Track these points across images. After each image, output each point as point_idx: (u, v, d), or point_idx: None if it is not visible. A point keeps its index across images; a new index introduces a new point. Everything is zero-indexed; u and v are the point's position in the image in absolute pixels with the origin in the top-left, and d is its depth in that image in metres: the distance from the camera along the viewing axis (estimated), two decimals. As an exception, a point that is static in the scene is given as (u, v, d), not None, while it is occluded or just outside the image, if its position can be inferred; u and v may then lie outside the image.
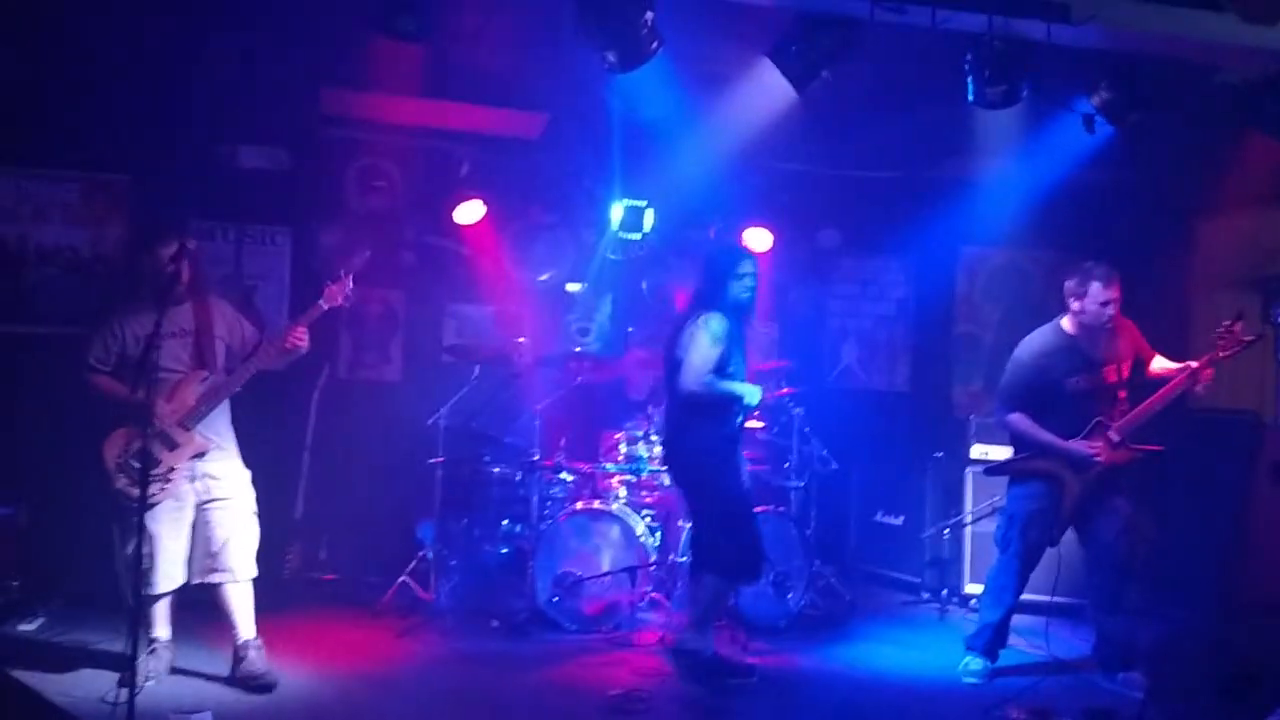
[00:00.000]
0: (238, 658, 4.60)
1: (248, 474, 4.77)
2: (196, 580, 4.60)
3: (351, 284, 4.75)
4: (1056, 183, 6.33)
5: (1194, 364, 4.80)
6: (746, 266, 4.96)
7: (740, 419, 5.00)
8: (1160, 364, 5.03)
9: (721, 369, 4.80)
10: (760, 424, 6.39)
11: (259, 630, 4.74)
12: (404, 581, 5.89)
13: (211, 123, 6.28)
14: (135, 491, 4.28)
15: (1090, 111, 5.12)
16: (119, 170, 6.36)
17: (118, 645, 3.89)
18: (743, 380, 4.88)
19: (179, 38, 5.52)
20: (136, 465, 4.33)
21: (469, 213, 6.81)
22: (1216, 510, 5.98)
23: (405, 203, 6.84)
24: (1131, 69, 5.00)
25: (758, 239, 7.12)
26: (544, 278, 7.28)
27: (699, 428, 4.90)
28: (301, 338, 4.66)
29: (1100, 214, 6.58)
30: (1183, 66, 5.06)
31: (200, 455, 4.55)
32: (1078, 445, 4.88)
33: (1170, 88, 5.03)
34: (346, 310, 4.77)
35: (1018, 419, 5.02)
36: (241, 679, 4.54)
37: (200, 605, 4.68)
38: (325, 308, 4.72)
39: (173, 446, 4.49)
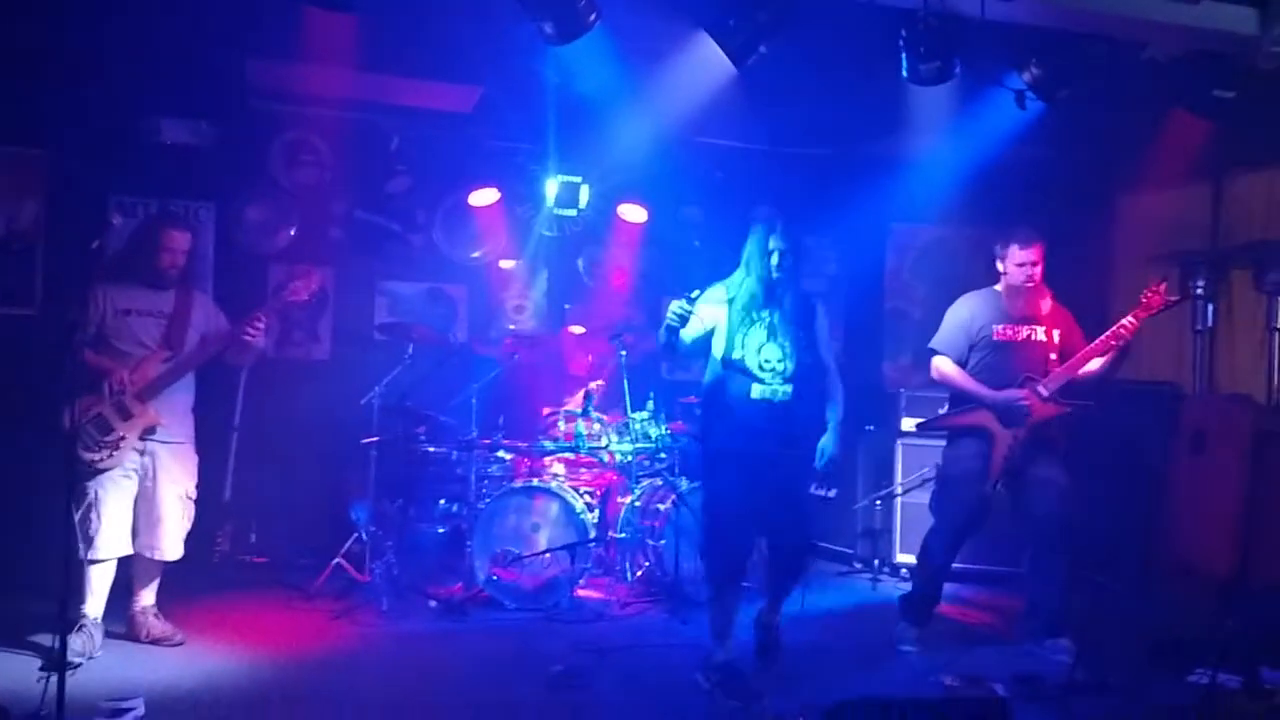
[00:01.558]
0: (138, 624, 4.82)
1: (194, 459, 4.95)
2: (139, 549, 4.76)
3: (317, 282, 5.03)
4: (986, 160, 6.43)
5: (1122, 322, 4.92)
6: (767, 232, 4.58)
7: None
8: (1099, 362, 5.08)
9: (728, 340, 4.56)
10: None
11: (192, 612, 4.96)
12: (338, 563, 5.80)
13: (132, 95, 6.08)
14: (87, 456, 4.54)
15: (1021, 88, 5.19)
16: (35, 144, 6.12)
17: (46, 624, 3.79)
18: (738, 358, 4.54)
19: (99, 5, 5.31)
20: (92, 431, 4.56)
21: (483, 198, 6.83)
22: (1139, 479, 6.16)
23: (334, 177, 6.70)
24: (1061, 45, 5.08)
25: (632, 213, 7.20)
26: (477, 255, 7.20)
27: None
28: (257, 329, 4.85)
29: (1028, 191, 6.70)
30: (1111, 43, 5.16)
31: (151, 430, 4.70)
32: (1007, 393, 4.99)
33: (1099, 64, 5.12)
34: (272, 286, 4.81)
35: (944, 362, 5.16)
36: (154, 640, 4.78)
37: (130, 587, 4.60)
38: (289, 300, 4.95)
39: (127, 416, 4.65)
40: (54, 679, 3.53)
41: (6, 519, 5.27)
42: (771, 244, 4.51)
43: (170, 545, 4.82)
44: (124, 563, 4.78)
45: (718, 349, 4.55)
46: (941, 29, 4.73)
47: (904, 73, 5.03)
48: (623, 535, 5.89)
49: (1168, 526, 5.99)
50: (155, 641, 4.78)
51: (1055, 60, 5.08)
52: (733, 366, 4.51)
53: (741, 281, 4.59)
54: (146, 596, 4.88)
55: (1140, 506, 6.10)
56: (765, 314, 4.52)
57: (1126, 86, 5.49)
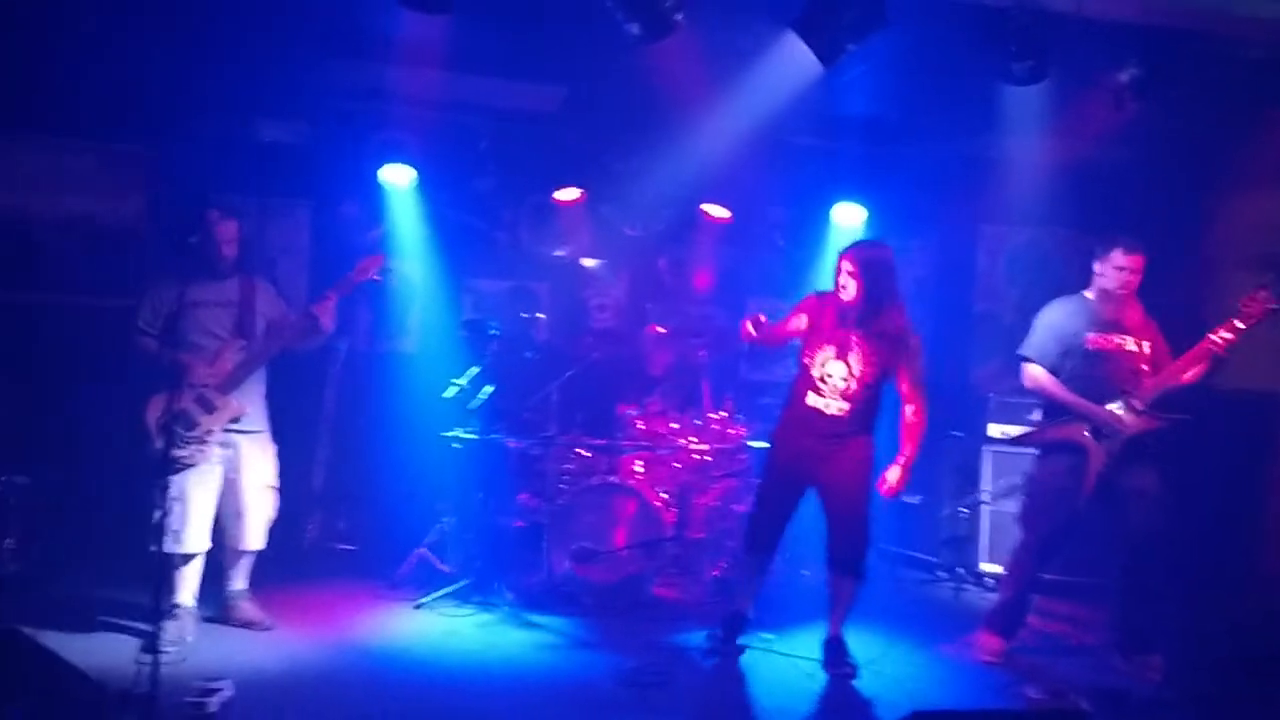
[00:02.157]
0: (231, 608, 4.92)
1: (273, 449, 4.98)
2: (214, 541, 4.83)
3: (385, 260, 5.00)
4: (1080, 160, 6.26)
5: (1217, 333, 4.74)
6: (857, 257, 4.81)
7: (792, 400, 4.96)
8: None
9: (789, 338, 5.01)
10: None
11: (282, 598, 5.01)
12: (421, 553, 5.92)
13: (231, 94, 6.27)
14: (173, 452, 4.51)
15: (1119, 87, 5.05)
16: (137, 141, 6.37)
17: (141, 611, 3.93)
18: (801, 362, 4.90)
19: (199, 7, 5.50)
20: (178, 428, 4.59)
21: (567, 196, 6.93)
22: (1237, 491, 5.94)
23: (424, 176, 6.82)
24: (1161, 43, 4.93)
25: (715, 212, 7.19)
26: (560, 253, 7.26)
27: None
28: (326, 310, 4.86)
29: (1121, 192, 6.51)
30: (1213, 40, 4.99)
31: (236, 420, 4.76)
32: (1102, 411, 4.86)
33: (1200, 63, 4.96)
34: (368, 283, 4.89)
35: (1037, 371, 5.05)
36: (242, 624, 4.88)
37: (222, 574, 4.73)
38: (356, 280, 4.95)
39: (210, 410, 4.69)
40: (147, 661, 3.66)
41: (111, 509, 5.46)
42: (841, 278, 4.75)
43: (254, 535, 4.91)
44: (217, 548, 4.90)
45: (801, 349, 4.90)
46: (1034, 27, 4.64)
47: (996, 72, 4.93)
48: (700, 535, 5.88)
49: (1266, 540, 5.76)
50: (246, 625, 4.89)
51: (1155, 59, 4.93)
52: (801, 369, 4.88)
53: (824, 297, 4.89)
54: (239, 581, 4.98)
55: (1238, 519, 5.89)
56: (841, 333, 4.76)
57: (1226, 85, 5.30)
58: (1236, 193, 6.76)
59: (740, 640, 5.00)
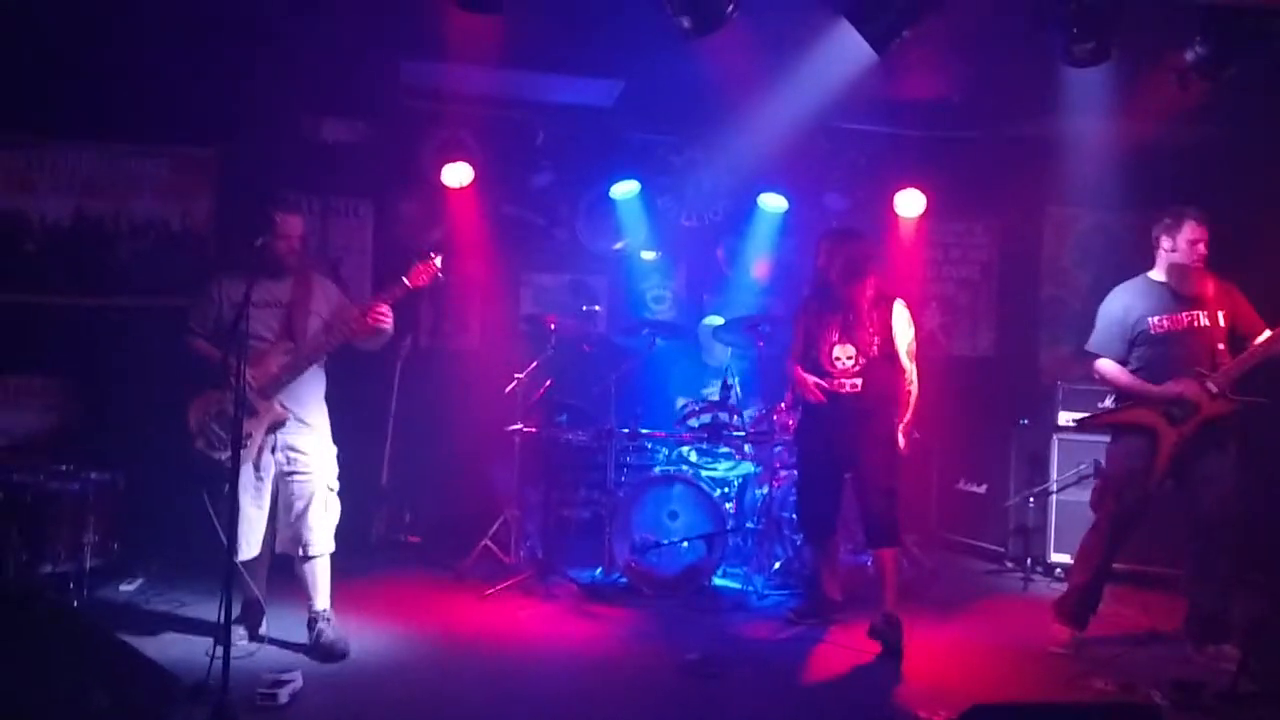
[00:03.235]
0: (310, 627, 4.68)
1: (333, 450, 4.80)
2: (278, 550, 4.71)
3: (440, 264, 4.73)
4: (1147, 142, 6.10)
5: None
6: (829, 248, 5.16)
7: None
8: (1268, 335, 4.82)
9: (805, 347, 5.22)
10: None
11: (350, 590, 4.89)
12: (486, 545, 6.00)
13: (294, 96, 6.40)
14: (214, 455, 4.47)
15: (1184, 67, 4.91)
16: (206, 144, 6.53)
17: (214, 606, 4.02)
18: (813, 356, 5.15)
19: (261, 12, 5.61)
20: (217, 429, 4.51)
21: (624, 190, 6.98)
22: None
23: (483, 173, 6.88)
24: (1224, 21, 4.78)
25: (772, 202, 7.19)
26: (619, 246, 7.28)
27: None
28: (382, 315, 4.65)
29: (1192, 173, 6.33)
30: (1276, 15, 4.82)
31: (279, 425, 4.59)
32: (1173, 387, 4.76)
33: (1263, 40, 4.79)
34: (410, 290, 4.69)
35: (1106, 365, 4.98)
36: (314, 648, 4.61)
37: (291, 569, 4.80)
38: (410, 286, 4.68)
39: (251, 414, 4.47)
40: (219, 654, 3.76)
41: (184, 505, 5.58)
42: (821, 260, 5.13)
43: (316, 539, 4.65)
44: (286, 555, 4.71)
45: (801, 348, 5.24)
46: (1096, 7, 4.52)
47: (1058, 53, 4.83)
48: (760, 526, 5.88)
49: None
50: (323, 650, 4.57)
51: (1221, 36, 4.78)
52: (814, 362, 5.12)
53: (810, 297, 5.29)
54: (318, 600, 4.70)
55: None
56: (838, 316, 5.08)
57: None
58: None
59: (830, 620, 5.24)
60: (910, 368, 5.03)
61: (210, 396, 4.53)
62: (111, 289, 6.42)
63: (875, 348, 5.00)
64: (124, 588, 5.46)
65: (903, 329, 5.04)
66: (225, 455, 4.43)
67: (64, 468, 5.28)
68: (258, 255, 4.47)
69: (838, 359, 5.05)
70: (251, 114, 6.31)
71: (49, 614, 3.69)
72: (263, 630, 4.77)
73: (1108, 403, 5.21)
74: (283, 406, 4.59)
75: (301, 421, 4.67)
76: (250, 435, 4.50)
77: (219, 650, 3.80)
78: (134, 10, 5.56)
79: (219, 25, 5.72)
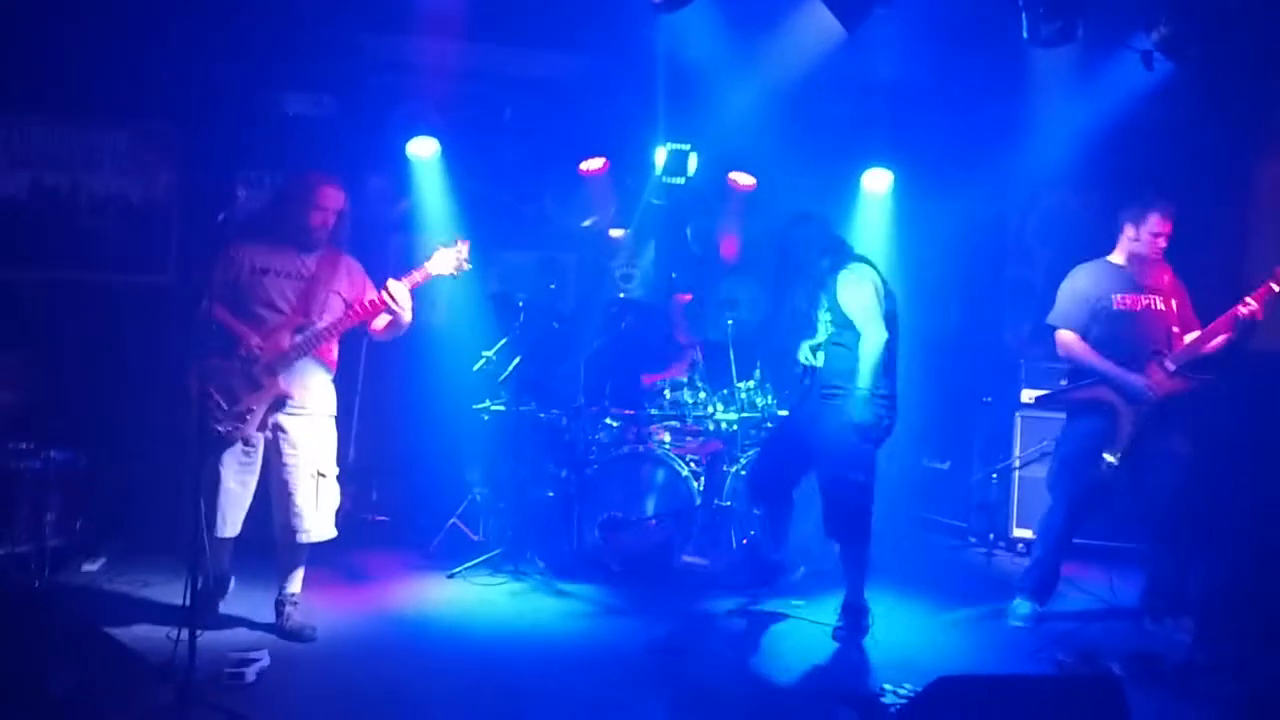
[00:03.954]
0: (279, 610, 4.61)
1: (331, 434, 4.66)
2: (275, 533, 4.58)
3: (466, 251, 4.63)
4: (1112, 121, 6.16)
5: (1247, 299, 4.70)
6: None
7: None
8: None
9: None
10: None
11: (317, 569, 4.81)
12: (454, 523, 5.99)
13: (258, 70, 6.30)
14: (213, 427, 4.32)
15: (1149, 48, 4.96)
16: (168, 118, 6.42)
17: (178, 585, 3.98)
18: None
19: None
20: (219, 400, 4.35)
21: (593, 167, 6.89)
22: (1270, 454, 5.86)
23: (449, 148, 6.82)
24: (1190, 2, 4.83)
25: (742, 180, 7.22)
26: (588, 223, 7.26)
27: None
28: (395, 298, 4.49)
29: (1158, 154, 6.40)
30: (1242, -2, 4.89)
31: (281, 402, 4.46)
32: (1132, 374, 4.84)
33: (1232, 20, 4.85)
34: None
35: (1068, 337, 5.03)
36: (281, 631, 4.55)
37: (263, 545, 4.75)
38: (431, 273, 4.58)
39: (256, 388, 4.40)
40: (184, 633, 3.73)
41: (147, 484, 5.55)
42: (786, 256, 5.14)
43: (305, 525, 4.52)
44: (270, 537, 4.61)
45: None
46: (1062, -13, 4.55)
47: (1024, 33, 4.85)
48: (728, 504, 5.91)
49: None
50: (292, 636, 4.50)
51: (1185, 17, 4.83)
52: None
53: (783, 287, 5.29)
54: (291, 584, 4.62)
55: (1271, 483, 5.81)
56: (802, 302, 5.00)
57: (1261, 42, 5.18)
58: (1274, 154, 6.62)
59: (777, 588, 5.29)
60: (867, 329, 4.69)
61: (214, 365, 4.33)
62: (71, 263, 6.32)
63: (837, 324, 4.83)
64: (87, 567, 5.39)
65: (848, 298, 4.77)
66: (225, 428, 4.35)
67: (24, 445, 5.19)
68: (285, 224, 4.38)
69: (817, 333, 4.92)
70: (214, 87, 6.21)
71: (11, 595, 3.64)
72: (226, 611, 4.72)
73: (1066, 382, 5.25)
74: (286, 384, 4.46)
75: (300, 404, 4.52)
76: (252, 410, 4.41)
77: (184, 630, 3.76)
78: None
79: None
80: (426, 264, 4.61)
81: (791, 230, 5.07)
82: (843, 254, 4.93)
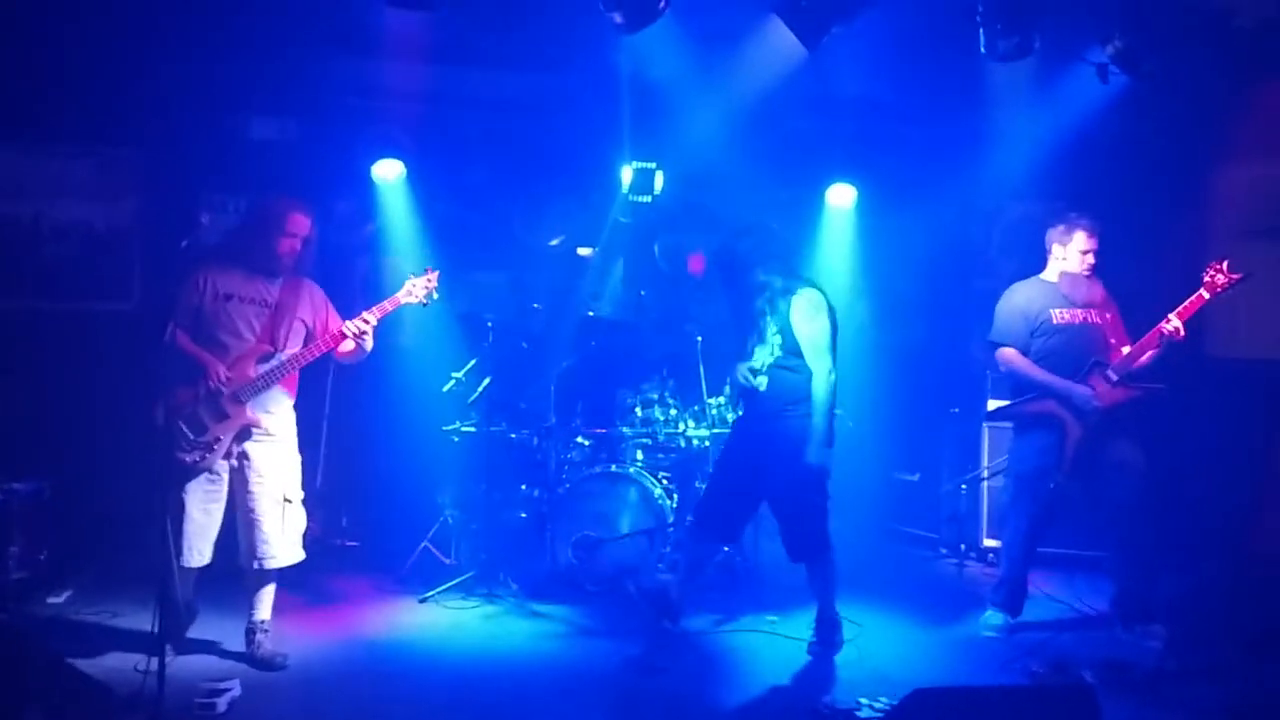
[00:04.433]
0: (249, 638, 4.57)
1: (294, 460, 4.65)
2: (239, 561, 4.54)
3: (435, 281, 4.68)
4: (1072, 134, 6.26)
5: (1170, 316, 4.79)
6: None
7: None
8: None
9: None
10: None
11: (287, 596, 4.79)
12: (425, 547, 5.95)
13: (222, 94, 6.27)
14: (180, 457, 4.30)
15: (1104, 61, 5.06)
16: (131, 144, 6.37)
17: (146, 616, 3.93)
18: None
19: (186, 9, 5.50)
20: (185, 430, 4.34)
21: (559, 187, 6.91)
22: (1235, 459, 5.96)
23: (416, 170, 6.81)
24: (1145, 16, 4.93)
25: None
26: (555, 243, 7.26)
27: None
28: (364, 329, 4.52)
29: (1116, 165, 6.51)
30: (1197, 12, 4.99)
31: (247, 431, 4.44)
32: (1075, 385, 4.89)
33: (1185, 34, 4.96)
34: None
35: (1009, 353, 5.09)
36: (252, 660, 4.51)
37: (231, 573, 4.70)
38: (401, 302, 4.61)
39: (222, 417, 4.39)
40: (153, 664, 3.68)
41: (113, 514, 5.48)
42: (725, 274, 4.98)
43: (271, 552, 4.49)
44: (237, 564, 4.57)
45: None
46: (1019, 3, 4.63)
47: (982, 49, 4.93)
48: (702, 520, 5.90)
49: (1265, 509, 5.78)
50: (263, 665, 4.46)
51: (1139, 32, 4.93)
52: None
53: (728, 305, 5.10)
54: (259, 611, 4.58)
55: (1241, 489, 5.90)
56: (747, 323, 4.86)
57: (1214, 55, 5.30)
58: (1229, 164, 6.75)
59: (671, 623, 5.00)
60: (818, 364, 4.67)
61: (181, 394, 4.33)
62: (34, 292, 6.24)
63: (783, 347, 4.73)
64: (52, 600, 5.30)
65: (802, 326, 4.70)
66: (191, 457, 4.33)
67: (-14, 477, 5.13)
68: (252, 249, 4.39)
69: (756, 360, 4.78)
70: (178, 113, 6.17)
71: (-26, 629, 3.59)
72: (195, 637, 4.68)
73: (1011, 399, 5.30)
74: (253, 413, 4.45)
75: (265, 430, 4.51)
76: (219, 439, 4.40)
77: (153, 661, 3.72)
78: (55, 7, 5.42)
79: (144, 21, 5.60)
80: (398, 293, 4.64)
81: (735, 243, 4.92)
82: (793, 274, 4.85)
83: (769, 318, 4.75)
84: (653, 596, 5.11)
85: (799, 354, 4.70)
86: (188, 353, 4.40)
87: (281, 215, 4.49)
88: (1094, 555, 5.89)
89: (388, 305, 4.62)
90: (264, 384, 4.46)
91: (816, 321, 4.70)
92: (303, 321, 4.59)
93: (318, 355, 4.56)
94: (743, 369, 4.80)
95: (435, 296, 4.72)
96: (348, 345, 4.63)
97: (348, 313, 4.70)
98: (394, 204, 6.78)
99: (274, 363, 4.47)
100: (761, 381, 4.76)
